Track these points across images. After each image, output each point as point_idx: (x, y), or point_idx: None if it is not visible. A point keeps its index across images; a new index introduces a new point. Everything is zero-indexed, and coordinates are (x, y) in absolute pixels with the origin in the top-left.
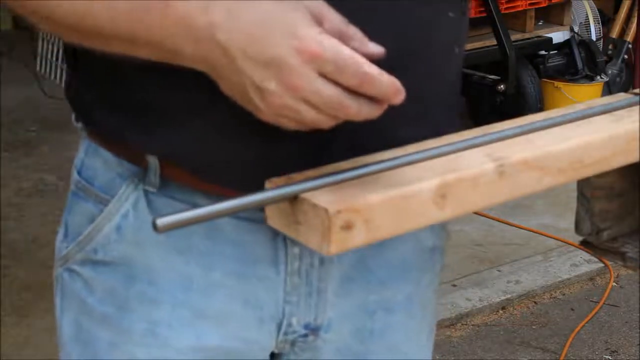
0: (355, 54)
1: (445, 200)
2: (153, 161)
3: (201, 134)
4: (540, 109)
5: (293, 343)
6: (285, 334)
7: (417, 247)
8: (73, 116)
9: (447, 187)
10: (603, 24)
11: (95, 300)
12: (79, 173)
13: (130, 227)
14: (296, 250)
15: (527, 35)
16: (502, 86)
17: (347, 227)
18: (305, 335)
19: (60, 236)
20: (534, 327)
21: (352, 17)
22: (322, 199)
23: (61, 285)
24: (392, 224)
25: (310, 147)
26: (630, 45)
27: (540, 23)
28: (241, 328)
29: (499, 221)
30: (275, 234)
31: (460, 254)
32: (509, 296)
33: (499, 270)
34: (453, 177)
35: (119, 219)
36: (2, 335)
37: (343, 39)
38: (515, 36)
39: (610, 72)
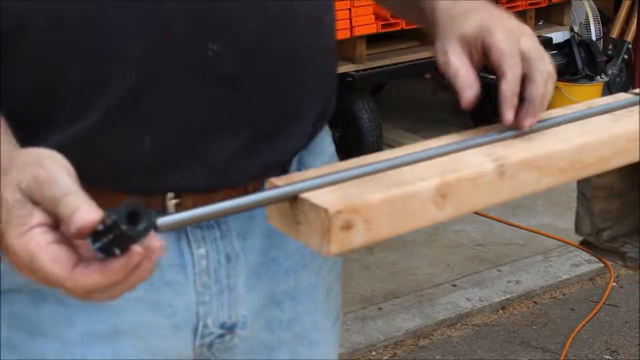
0: (52, 265)
1: (445, 200)
2: None
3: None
4: None
5: (210, 345)
6: (202, 337)
7: None
8: None
9: (447, 187)
10: (603, 24)
11: (1, 328)
12: None
13: None
14: (202, 250)
15: None
16: None
17: (347, 227)
18: (222, 336)
19: None
20: (534, 327)
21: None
22: (322, 199)
23: None
24: (392, 224)
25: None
26: (630, 45)
27: (540, 23)
28: (157, 338)
29: (499, 221)
30: (177, 237)
31: (460, 254)
32: (509, 296)
33: (499, 270)
34: (453, 177)
35: None
36: None
37: (56, 219)
38: None
39: (610, 72)
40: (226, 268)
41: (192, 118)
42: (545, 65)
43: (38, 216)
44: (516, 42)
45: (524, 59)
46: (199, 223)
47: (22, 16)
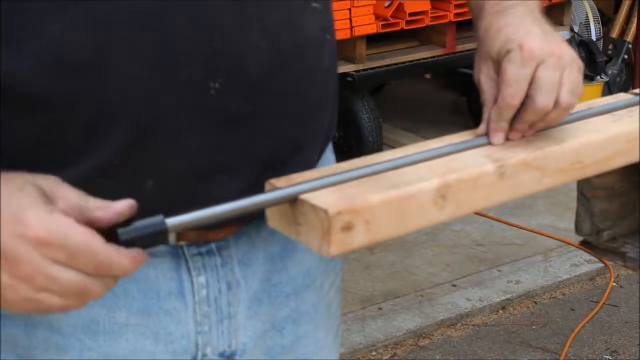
0: (87, 237)
1: (445, 200)
2: None
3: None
4: None
5: None
6: None
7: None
8: None
9: (447, 188)
10: (603, 24)
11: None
12: None
13: None
14: (202, 278)
15: None
16: None
17: (347, 228)
18: None
19: None
20: (534, 327)
21: (223, 21)
22: (322, 200)
23: None
24: (392, 225)
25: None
26: (630, 45)
27: None
28: None
29: (499, 221)
30: (177, 265)
31: (460, 254)
32: (509, 296)
33: (499, 270)
34: (453, 178)
35: None
36: None
37: (83, 213)
38: None
39: (610, 72)
40: (227, 296)
41: (196, 160)
42: (545, 100)
43: (58, 205)
44: (531, 67)
45: (532, 85)
46: (199, 250)
47: (25, 59)
